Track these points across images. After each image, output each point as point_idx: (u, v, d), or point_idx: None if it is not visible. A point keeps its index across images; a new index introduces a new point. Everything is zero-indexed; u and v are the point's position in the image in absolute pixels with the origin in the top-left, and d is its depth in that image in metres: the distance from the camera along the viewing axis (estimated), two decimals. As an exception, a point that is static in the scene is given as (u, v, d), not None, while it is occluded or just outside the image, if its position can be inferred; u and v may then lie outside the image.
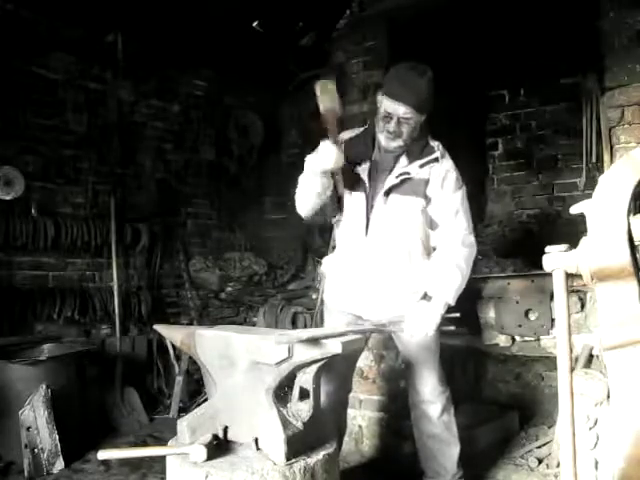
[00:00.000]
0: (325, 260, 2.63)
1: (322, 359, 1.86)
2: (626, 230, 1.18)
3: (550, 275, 1.33)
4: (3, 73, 3.58)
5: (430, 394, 2.49)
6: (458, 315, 2.36)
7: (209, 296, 4.74)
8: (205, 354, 2.05)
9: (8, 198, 3.55)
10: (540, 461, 2.90)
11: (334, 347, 1.83)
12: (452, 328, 2.35)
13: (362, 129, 2.51)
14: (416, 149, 2.37)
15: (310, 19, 4.32)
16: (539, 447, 3.06)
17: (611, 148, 2.92)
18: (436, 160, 2.35)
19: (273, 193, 5.15)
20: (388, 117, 2.28)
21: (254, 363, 1.91)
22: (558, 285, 1.32)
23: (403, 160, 2.37)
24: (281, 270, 4.93)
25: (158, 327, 2.34)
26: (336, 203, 2.47)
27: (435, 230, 2.39)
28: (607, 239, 1.18)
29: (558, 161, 4.68)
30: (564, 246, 1.32)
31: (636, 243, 1.31)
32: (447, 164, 2.38)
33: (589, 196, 1.24)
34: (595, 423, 2.32)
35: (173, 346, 4.20)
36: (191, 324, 4.30)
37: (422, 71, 2.27)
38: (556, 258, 1.31)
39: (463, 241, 2.34)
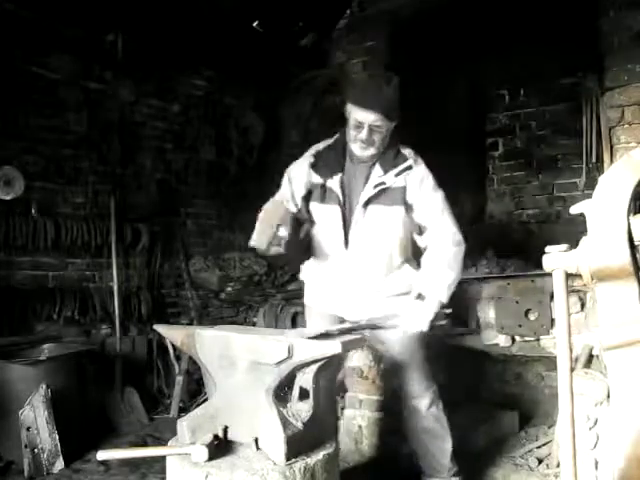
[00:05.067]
0: (303, 268, 2.65)
1: (322, 359, 1.86)
2: (626, 230, 1.18)
3: (550, 275, 1.33)
4: (3, 73, 3.58)
5: (417, 389, 2.52)
6: (450, 311, 2.44)
7: (209, 296, 4.74)
8: (205, 354, 2.05)
9: (8, 198, 3.55)
10: (540, 461, 2.90)
11: (334, 347, 1.83)
12: (444, 322, 2.43)
13: (332, 140, 2.51)
14: (388, 158, 2.39)
15: (310, 19, 4.32)
16: (539, 447, 3.06)
17: (611, 148, 2.92)
18: (410, 167, 2.37)
19: (273, 193, 5.14)
20: (359, 126, 2.28)
21: (254, 363, 1.91)
22: (558, 285, 1.32)
23: (377, 170, 2.38)
24: (281, 270, 4.93)
25: (158, 327, 2.34)
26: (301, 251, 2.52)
27: (424, 233, 2.42)
28: (607, 239, 1.18)
29: (558, 161, 4.69)
30: (564, 246, 1.32)
31: (636, 243, 1.31)
32: (421, 169, 2.40)
33: (589, 196, 1.24)
34: (595, 423, 2.32)
35: (173, 346, 4.20)
36: (191, 324, 4.29)
37: (388, 79, 2.31)
38: (556, 258, 1.31)
39: (453, 240, 2.37)
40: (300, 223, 2.49)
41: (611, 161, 2.90)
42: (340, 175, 2.40)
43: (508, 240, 4.65)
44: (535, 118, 4.79)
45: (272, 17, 4.31)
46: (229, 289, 4.82)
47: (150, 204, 4.36)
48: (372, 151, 2.34)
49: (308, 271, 2.63)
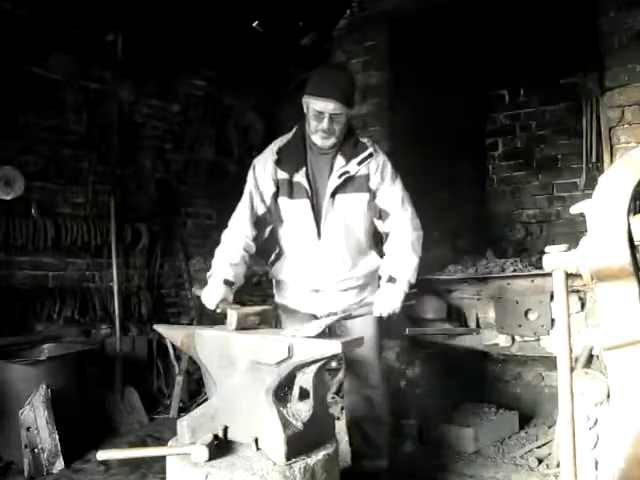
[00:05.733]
0: (273, 265, 2.68)
1: (322, 359, 1.86)
2: (626, 230, 1.18)
3: (550, 275, 1.34)
4: (3, 73, 3.58)
5: (374, 380, 2.57)
6: (415, 290, 2.59)
7: (209, 296, 4.73)
8: (205, 354, 2.06)
9: (8, 198, 3.55)
10: (540, 461, 2.91)
11: (334, 347, 1.83)
12: (413, 302, 2.56)
13: (291, 134, 2.56)
14: (349, 147, 2.47)
15: (310, 19, 4.32)
16: (539, 447, 3.06)
17: (611, 148, 2.92)
18: (371, 155, 2.46)
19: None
20: (320, 116, 2.36)
21: (254, 363, 1.91)
22: (558, 285, 1.33)
23: (340, 160, 2.45)
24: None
25: (158, 327, 2.34)
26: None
27: (386, 219, 2.51)
28: (607, 239, 1.18)
29: (558, 161, 4.68)
30: (564, 246, 1.32)
31: (636, 243, 1.31)
32: (381, 157, 2.50)
33: (589, 196, 1.24)
34: (595, 423, 2.32)
35: (173, 346, 4.20)
36: (191, 324, 4.29)
37: (343, 68, 2.50)
38: (556, 258, 1.31)
39: (413, 226, 2.48)
40: (266, 224, 2.56)
41: (611, 161, 2.89)
42: (305, 168, 2.46)
43: (508, 240, 4.65)
44: (535, 118, 4.79)
45: (272, 17, 4.31)
46: (229, 289, 4.81)
47: (150, 204, 4.36)
48: (333, 140, 2.42)
49: (278, 270, 2.67)
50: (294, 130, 2.57)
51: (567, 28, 3.91)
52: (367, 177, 2.45)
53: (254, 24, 4.35)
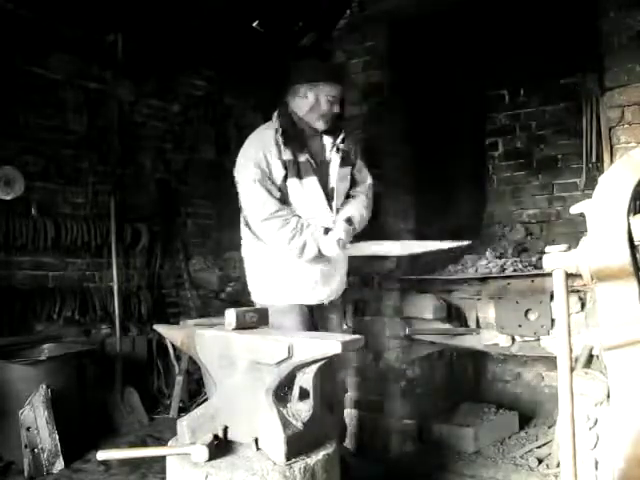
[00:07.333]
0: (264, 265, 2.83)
1: (322, 359, 1.86)
2: (626, 230, 1.18)
3: (550, 275, 1.34)
4: (3, 73, 3.58)
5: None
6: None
7: (209, 296, 4.74)
8: (205, 354, 2.06)
9: (8, 198, 3.55)
10: (540, 461, 2.91)
11: (334, 347, 1.83)
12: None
13: (276, 124, 2.58)
14: (330, 127, 2.62)
15: (310, 19, 4.31)
16: (539, 447, 3.06)
17: (611, 148, 2.92)
18: (343, 132, 2.65)
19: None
20: (333, 100, 2.51)
21: (254, 363, 1.91)
22: (558, 285, 1.33)
23: (327, 138, 2.61)
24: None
25: (158, 327, 2.35)
26: None
27: (353, 187, 2.73)
28: (607, 239, 1.18)
29: (558, 161, 4.67)
30: (564, 246, 1.32)
31: (636, 243, 1.31)
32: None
33: (589, 196, 1.24)
34: (595, 423, 2.32)
35: (173, 346, 4.20)
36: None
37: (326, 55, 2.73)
38: (556, 258, 1.31)
39: (368, 205, 2.73)
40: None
41: (611, 161, 2.89)
42: (307, 148, 2.55)
43: (508, 240, 4.65)
44: (535, 118, 4.78)
45: (272, 17, 4.31)
46: (229, 289, 4.81)
47: (150, 204, 4.36)
48: (330, 123, 2.57)
49: (280, 265, 2.69)
50: (276, 119, 2.61)
51: (567, 28, 3.91)
52: (350, 151, 2.65)
53: (254, 24, 4.34)
